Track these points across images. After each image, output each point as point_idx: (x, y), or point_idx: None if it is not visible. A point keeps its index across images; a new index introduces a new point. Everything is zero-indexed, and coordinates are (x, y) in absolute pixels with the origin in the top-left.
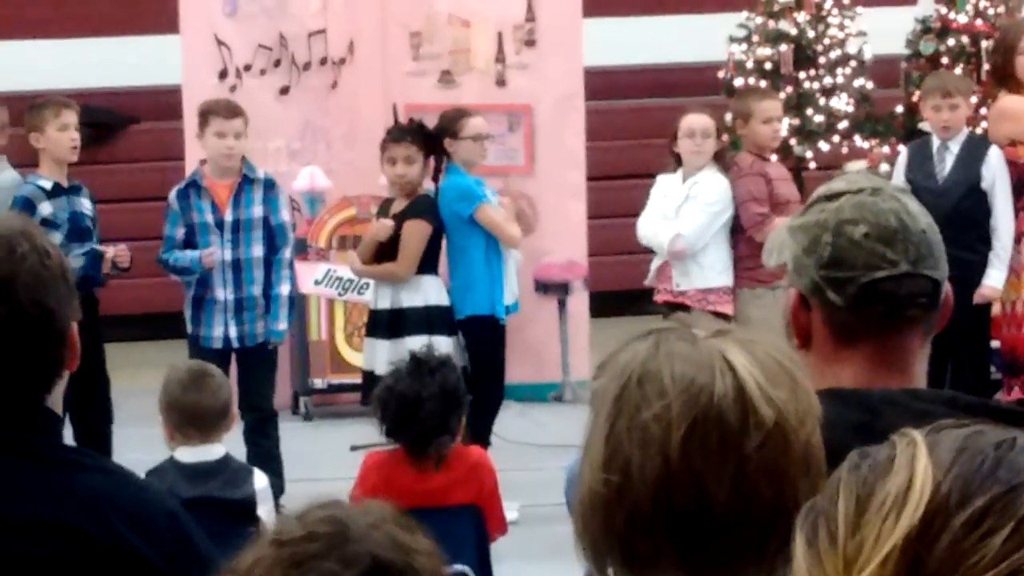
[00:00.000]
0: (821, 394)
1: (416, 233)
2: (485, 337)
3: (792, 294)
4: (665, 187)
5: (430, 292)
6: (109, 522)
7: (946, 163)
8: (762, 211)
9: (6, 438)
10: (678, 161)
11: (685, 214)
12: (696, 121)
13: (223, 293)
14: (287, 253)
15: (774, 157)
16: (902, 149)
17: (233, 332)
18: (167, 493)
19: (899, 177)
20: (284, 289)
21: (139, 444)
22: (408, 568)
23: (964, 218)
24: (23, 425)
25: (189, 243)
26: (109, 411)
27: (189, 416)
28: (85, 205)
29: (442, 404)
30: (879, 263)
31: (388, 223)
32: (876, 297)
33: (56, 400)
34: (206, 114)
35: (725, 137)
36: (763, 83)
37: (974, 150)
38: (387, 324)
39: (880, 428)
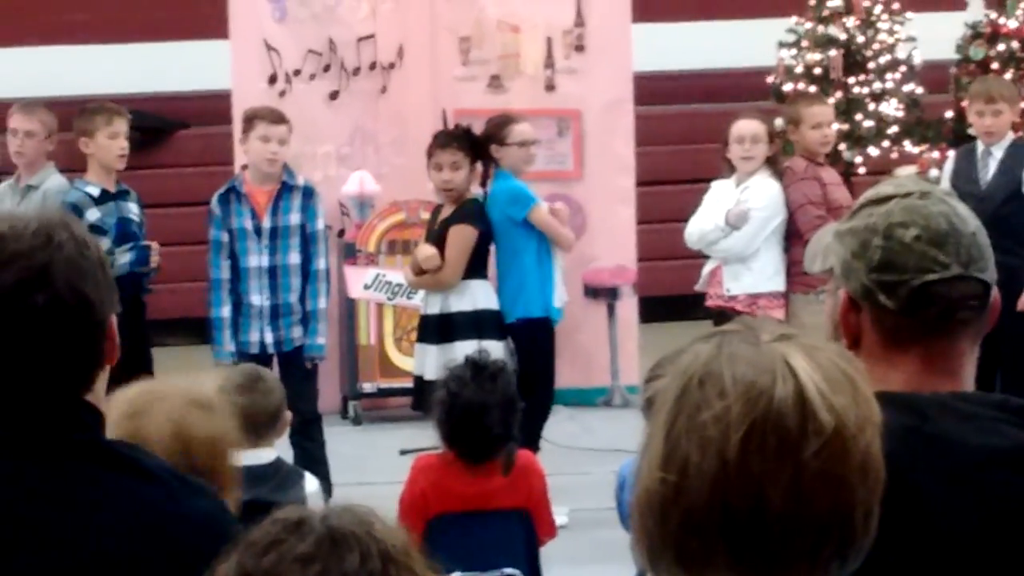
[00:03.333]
0: None
1: (461, 238)
2: (536, 341)
3: (841, 296)
4: (719, 192)
5: (479, 296)
6: (144, 532)
7: (989, 168)
8: (821, 214)
9: (48, 435)
10: (731, 167)
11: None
12: (746, 127)
13: (259, 299)
14: (322, 263)
15: None
16: (951, 154)
17: (269, 338)
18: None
19: (947, 182)
20: (322, 303)
21: None
22: (367, 536)
23: (1005, 223)
24: (64, 421)
25: (230, 248)
26: None
27: (241, 420)
28: (132, 210)
29: (505, 411)
30: (930, 266)
31: (435, 257)
32: (928, 300)
33: (99, 395)
34: (251, 119)
35: (777, 142)
36: (812, 88)
37: (1018, 155)
38: (437, 329)
39: (929, 432)
